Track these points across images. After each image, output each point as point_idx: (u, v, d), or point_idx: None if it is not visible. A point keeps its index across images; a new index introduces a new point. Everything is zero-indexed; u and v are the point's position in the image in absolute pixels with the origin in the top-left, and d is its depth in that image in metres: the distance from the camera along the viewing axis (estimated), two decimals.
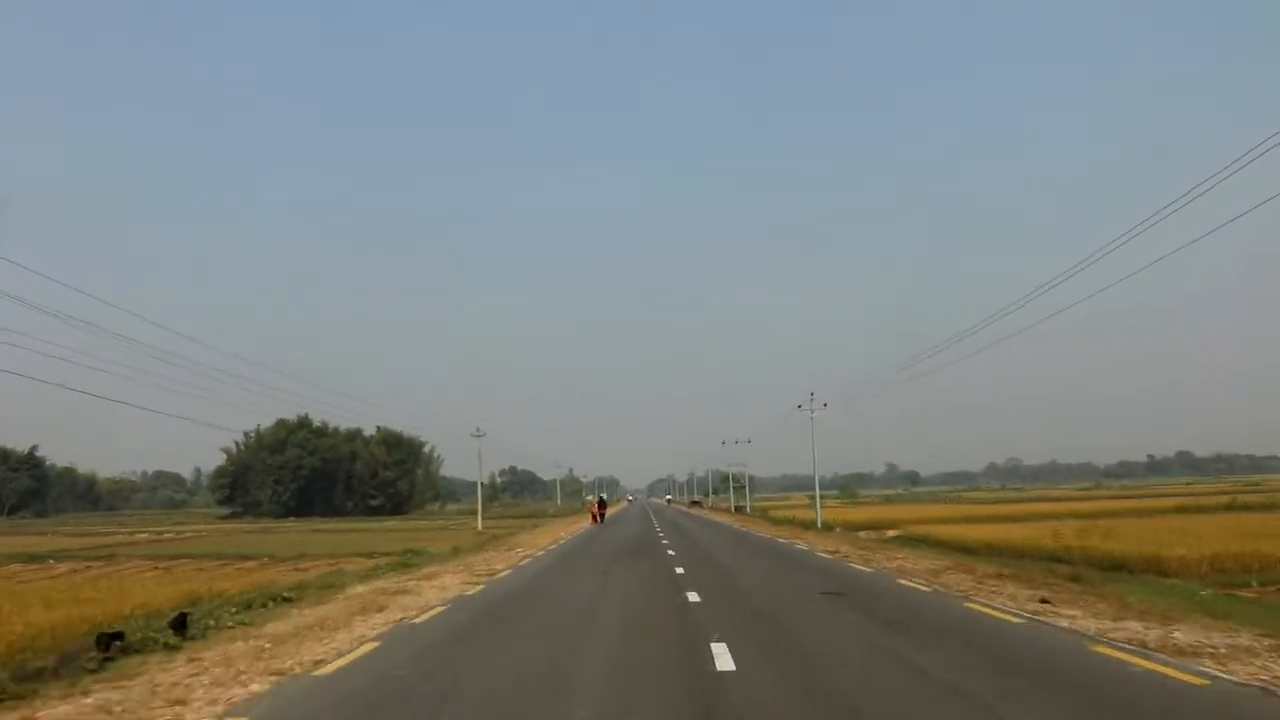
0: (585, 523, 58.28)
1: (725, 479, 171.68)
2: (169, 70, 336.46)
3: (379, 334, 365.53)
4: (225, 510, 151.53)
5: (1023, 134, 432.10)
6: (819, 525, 57.44)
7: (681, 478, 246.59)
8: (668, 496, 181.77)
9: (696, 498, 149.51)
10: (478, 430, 76.80)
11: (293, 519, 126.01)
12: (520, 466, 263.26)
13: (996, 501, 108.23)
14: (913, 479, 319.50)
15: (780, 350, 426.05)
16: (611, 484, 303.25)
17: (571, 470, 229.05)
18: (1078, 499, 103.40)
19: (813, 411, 64.39)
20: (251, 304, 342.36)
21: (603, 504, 59.23)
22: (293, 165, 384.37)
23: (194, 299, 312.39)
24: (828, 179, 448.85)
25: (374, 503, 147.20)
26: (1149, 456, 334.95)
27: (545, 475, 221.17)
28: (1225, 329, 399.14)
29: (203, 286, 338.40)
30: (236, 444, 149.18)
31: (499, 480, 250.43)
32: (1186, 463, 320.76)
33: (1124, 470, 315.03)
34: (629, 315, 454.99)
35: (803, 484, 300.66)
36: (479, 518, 76.36)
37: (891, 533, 55.12)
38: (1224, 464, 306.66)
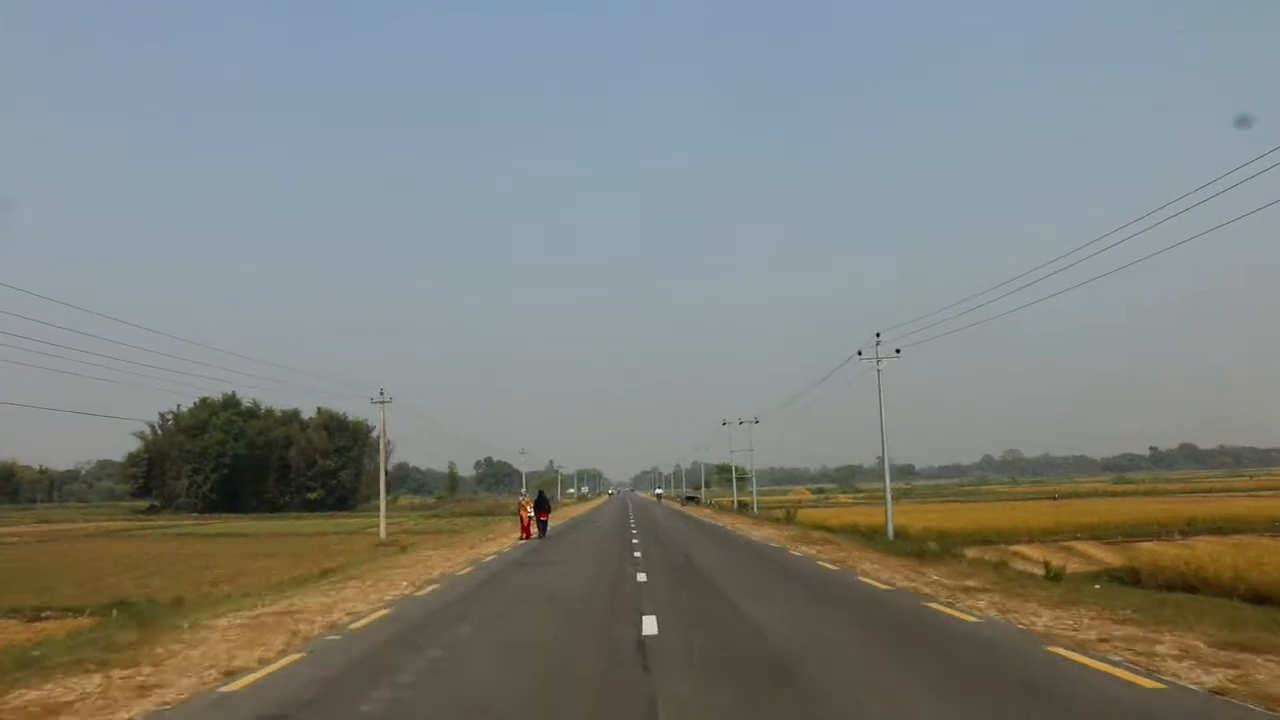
0: (518, 534, 33.03)
1: (720, 470, 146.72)
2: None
3: (324, 313, 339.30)
4: (144, 504, 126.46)
5: (1027, 122, 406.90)
6: (890, 535, 33.95)
7: (667, 470, 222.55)
8: (658, 490, 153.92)
9: (691, 492, 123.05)
10: (381, 394, 51.64)
11: (193, 516, 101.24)
12: (497, 458, 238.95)
13: (1052, 496, 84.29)
14: (908, 473, 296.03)
15: (768, 345, 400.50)
16: (595, 476, 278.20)
17: (552, 462, 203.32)
18: (1165, 491, 79.56)
19: (879, 362, 39.84)
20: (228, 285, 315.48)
21: (543, 505, 33.11)
22: (288, 155, 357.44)
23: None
24: (827, 169, 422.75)
25: (312, 496, 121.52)
26: (1152, 449, 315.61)
27: (523, 468, 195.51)
28: (1226, 320, 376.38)
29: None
30: (152, 427, 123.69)
31: (470, 472, 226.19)
32: (1190, 455, 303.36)
33: (1127, 463, 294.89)
34: (610, 307, 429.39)
35: (794, 477, 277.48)
36: (382, 522, 51.43)
37: (1063, 563, 30.22)
38: (1229, 456, 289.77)
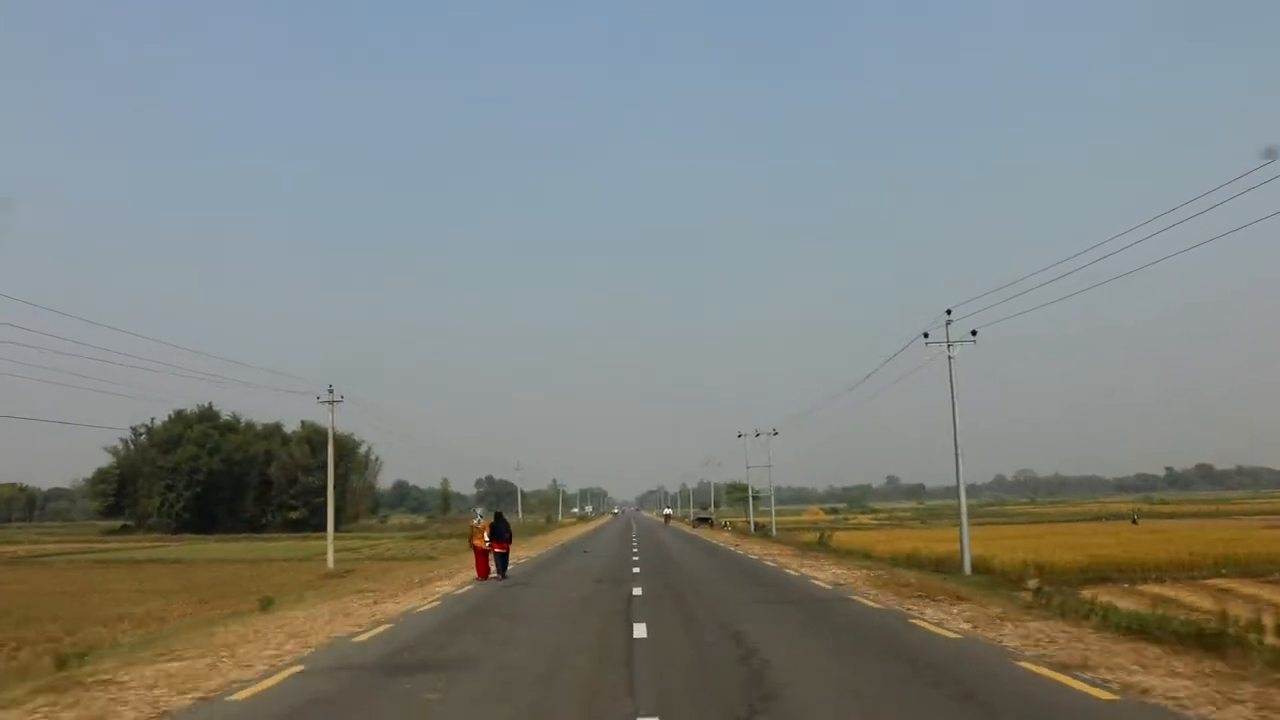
0: (494, 562, 22.63)
1: (731, 489, 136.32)
2: None
3: (322, 316, 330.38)
4: (117, 524, 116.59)
5: (1024, 131, 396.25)
6: (967, 569, 26.53)
7: (673, 489, 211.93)
8: (666, 511, 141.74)
9: (702, 513, 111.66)
10: (330, 391, 42.14)
11: (156, 537, 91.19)
12: (499, 476, 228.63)
13: (1131, 519, 74.12)
14: (919, 492, 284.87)
15: (774, 361, 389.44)
16: (599, 495, 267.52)
17: (555, 480, 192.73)
18: (1223, 513, 69.36)
19: (950, 346, 30.00)
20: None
21: (500, 532, 22.84)
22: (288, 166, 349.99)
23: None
24: (832, 184, 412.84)
25: (294, 515, 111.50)
26: (1167, 469, 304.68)
27: (525, 486, 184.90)
28: (1244, 338, 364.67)
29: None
30: (124, 441, 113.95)
31: (470, 491, 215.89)
32: (1207, 476, 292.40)
33: (1142, 483, 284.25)
34: (615, 326, 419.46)
35: (802, 497, 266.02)
36: (329, 550, 41.68)
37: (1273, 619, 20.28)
38: (1247, 477, 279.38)
